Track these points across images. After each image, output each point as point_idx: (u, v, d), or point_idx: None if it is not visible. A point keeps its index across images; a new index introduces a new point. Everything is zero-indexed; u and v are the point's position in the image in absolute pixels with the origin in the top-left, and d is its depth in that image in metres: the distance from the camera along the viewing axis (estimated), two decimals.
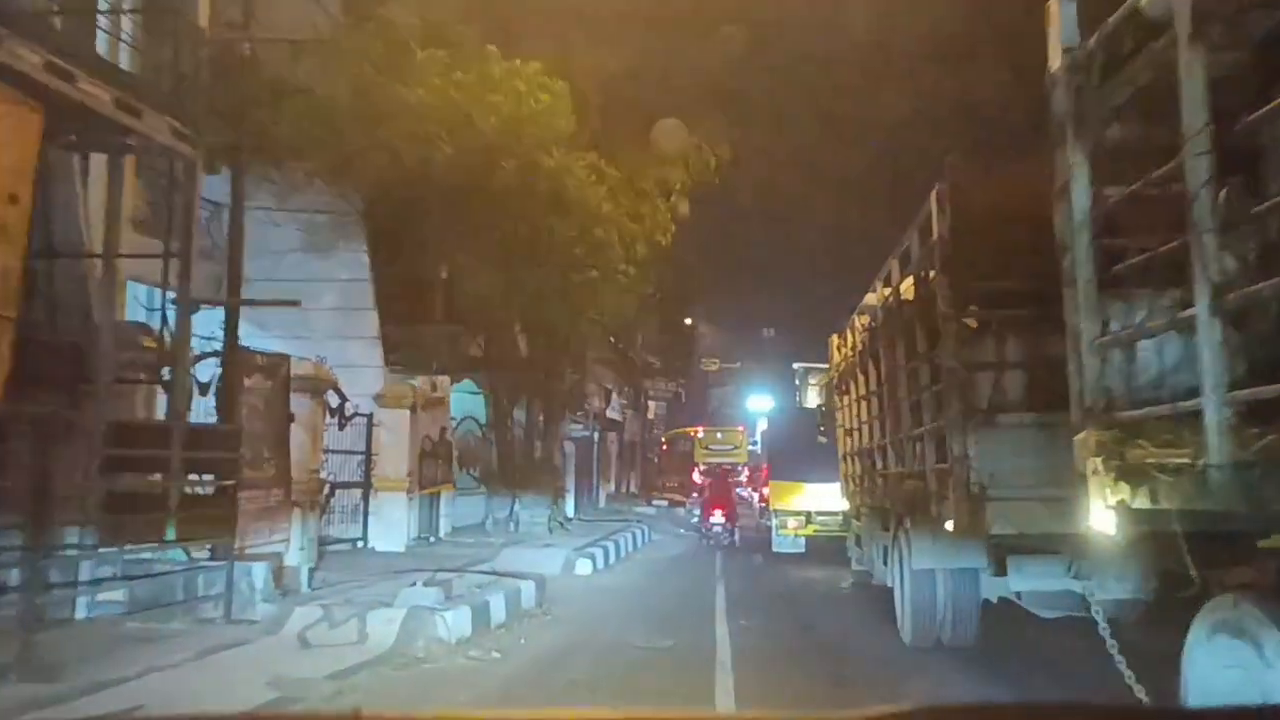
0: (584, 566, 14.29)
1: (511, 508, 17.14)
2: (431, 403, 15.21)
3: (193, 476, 8.72)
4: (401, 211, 14.73)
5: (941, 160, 7.07)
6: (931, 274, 7.08)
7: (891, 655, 8.30)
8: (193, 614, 8.16)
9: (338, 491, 14.30)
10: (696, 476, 33.41)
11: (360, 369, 15.01)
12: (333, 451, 13.82)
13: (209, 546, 8.65)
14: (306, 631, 7.90)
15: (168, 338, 8.45)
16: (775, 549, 17.00)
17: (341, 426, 13.93)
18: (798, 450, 16.15)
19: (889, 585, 9.08)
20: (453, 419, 17.91)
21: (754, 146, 16.88)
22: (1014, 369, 6.60)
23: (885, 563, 9.44)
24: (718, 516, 19.49)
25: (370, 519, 14.70)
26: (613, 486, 33.59)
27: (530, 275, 14.75)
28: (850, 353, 11.30)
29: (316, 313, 15.23)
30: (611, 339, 27.06)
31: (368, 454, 14.77)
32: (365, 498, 14.73)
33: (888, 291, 8.73)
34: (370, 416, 14.77)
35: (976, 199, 6.66)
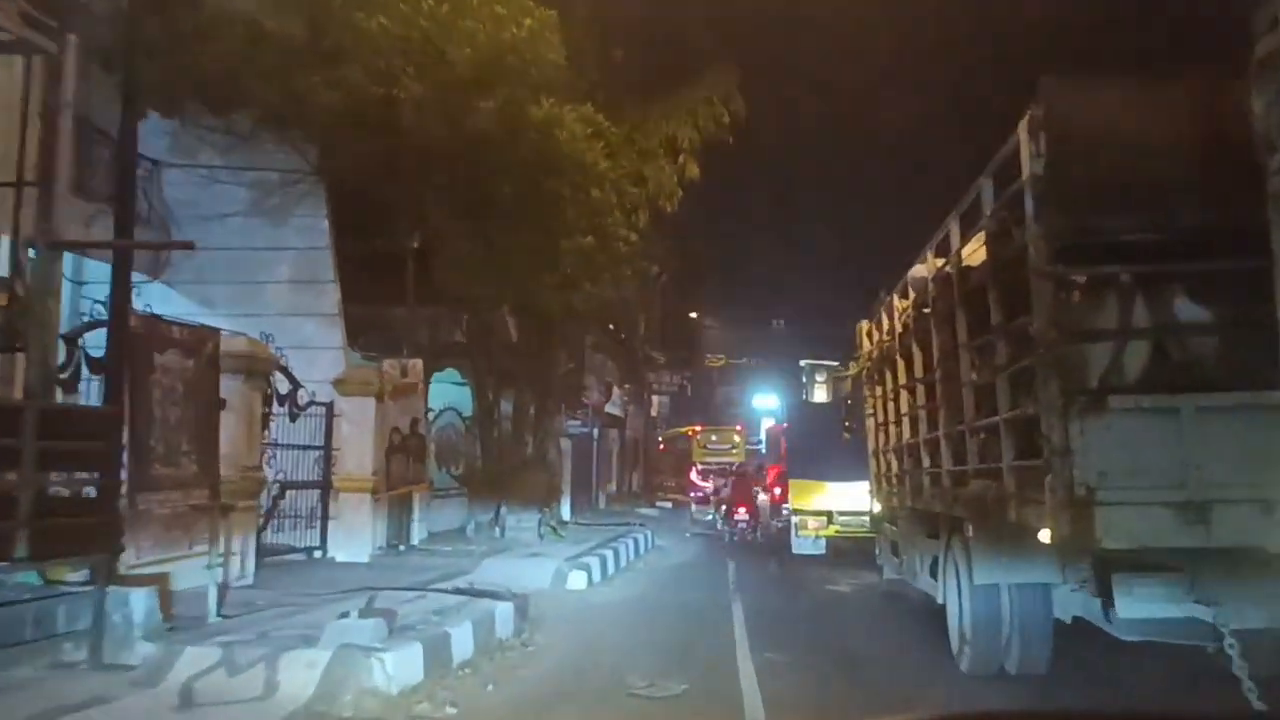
0: (577, 579, 12.27)
1: (497, 511, 15.11)
2: (401, 389, 13.19)
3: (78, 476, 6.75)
4: (365, 168, 12.68)
5: (1009, 107, 5.72)
6: (1017, 225, 5.74)
7: (959, 690, 6.74)
8: (48, 657, 6.15)
9: (291, 493, 12.29)
10: (694, 476, 33.78)
11: (318, 351, 13.00)
12: (283, 446, 11.82)
13: (85, 567, 6.65)
14: (195, 682, 5.90)
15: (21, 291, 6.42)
16: (794, 550, 16.19)
17: (294, 417, 11.94)
18: (818, 447, 15.49)
19: (939, 601, 7.92)
20: (431, 410, 15.91)
21: (773, 101, 14.81)
22: (1132, 339, 5.35)
23: (933, 575, 8.21)
24: (741, 514, 20.91)
25: (330, 525, 12.69)
26: (614, 487, 31.55)
27: (515, 242, 12.70)
28: (886, 338, 10.07)
29: (269, 287, 13.29)
30: (611, 326, 25.05)
31: (327, 449, 12.76)
32: (324, 500, 12.72)
33: (940, 261, 7.54)
34: (330, 406, 12.76)
35: (1078, 126, 5.38)
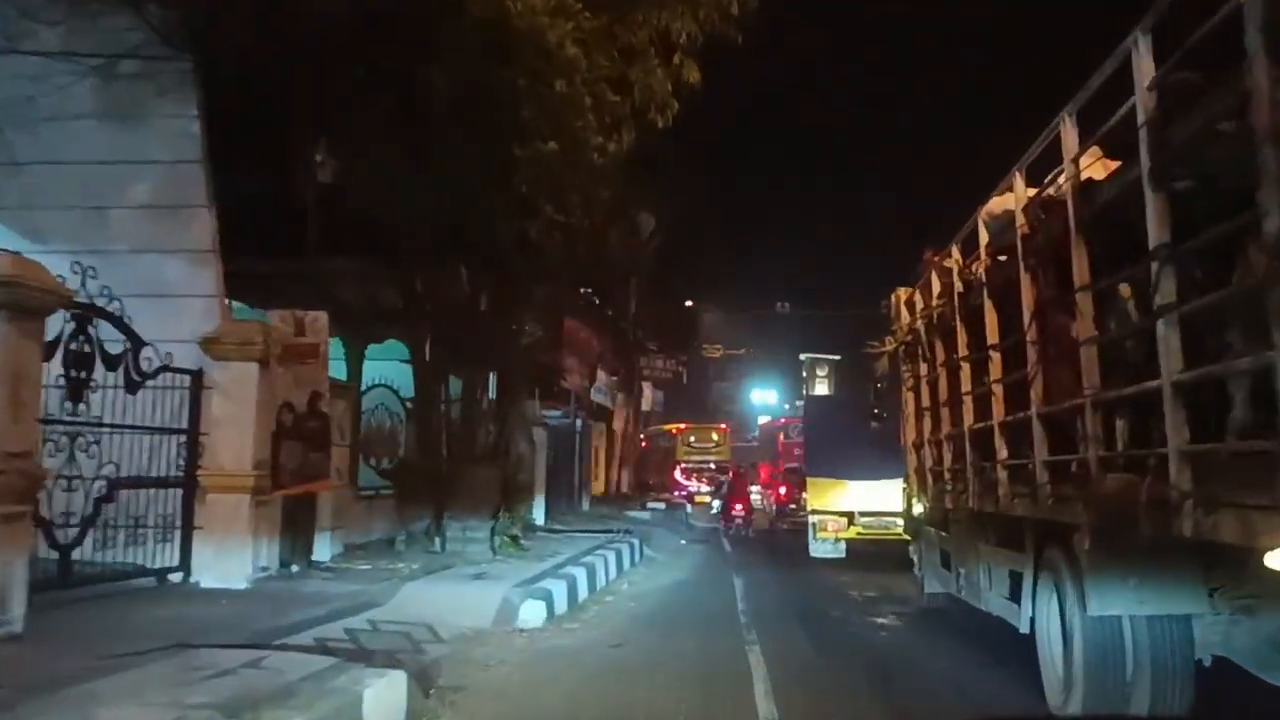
0: (532, 613, 8.86)
1: (436, 518, 11.64)
2: (296, 353, 9.72)
3: None
4: (252, 52, 9.29)
5: None
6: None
7: None
8: None
9: (139, 493, 8.86)
10: (678, 475, 34.64)
11: (183, 301, 9.56)
12: (116, 428, 8.36)
13: None
14: None
15: None
16: (812, 553, 15.26)
17: (134, 387, 8.50)
18: (839, 442, 14.68)
19: (1021, 630, 6.44)
20: (357, 387, 12.50)
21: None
22: None
23: (1013, 597, 6.69)
24: (738, 510, 21.84)
25: (196, 538, 9.24)
26: (602, 486, 28.11)
27: (454, 152, 9.29)
28: (939, 302, 8.46)
29: (119, 215, 9.83)
30: (595, 299, 21.67)
31: (191, 433, 9.31)
32: (187, 504, 9.26)
33: (1031, 190, 6.08)
34: (197, 375, 9.31)
35: None
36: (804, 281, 62.50)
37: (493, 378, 13.55)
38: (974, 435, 7.37)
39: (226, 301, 9.80)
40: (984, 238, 7.04)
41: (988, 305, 6.95)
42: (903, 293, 10.13)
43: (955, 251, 7.92)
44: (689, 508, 30.17)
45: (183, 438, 9.27)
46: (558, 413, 22.78)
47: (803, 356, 59.56)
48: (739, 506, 21.72)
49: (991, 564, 7.33)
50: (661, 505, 28.95)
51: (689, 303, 39.29)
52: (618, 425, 28.09)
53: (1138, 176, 4.38)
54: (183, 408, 9.26)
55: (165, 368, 8.90)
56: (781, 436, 34.62)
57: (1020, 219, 6.08)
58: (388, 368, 13.85)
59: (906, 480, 10.74)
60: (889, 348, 10.89)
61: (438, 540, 11.41)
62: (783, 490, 27.47)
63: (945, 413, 8.43)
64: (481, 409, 12.79)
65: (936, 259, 8.53)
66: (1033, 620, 6.18)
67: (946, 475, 8.52)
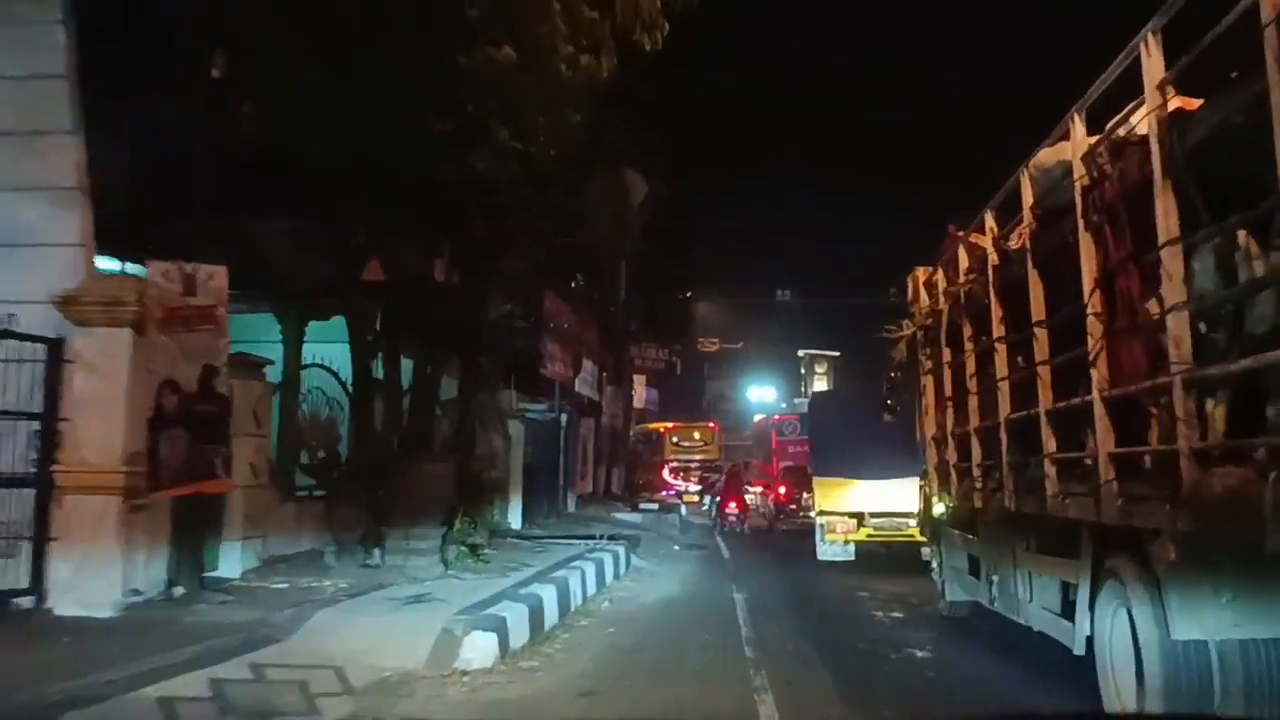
0: (478, 649, 6.84)
1: (376, 525, 9.60)
2: (183, 318, 7.68)
3: None
4: None
5: None
6: None
7: None
8: None
9: None
10: (666, 474, 34.50)
11: (35, 251, 7.52)
12: None
13: None
14: None
15: None
16: (820, 556, 14.27)
17: None
18: (848, 439, 13.98)
19: (1074, 651, 5.55)
20: (296, 367, 10.48)
21: None
22: None
23: (1064, 613, 5.85)
24: (733, 508, 22.40)
25: (53, 551, 7.23)
26: (590, 485, 26.10)
27: (383, 62, 7.27)
28: (968, 278, 7.66)
29: None
30: (581, 279, 19.68)
31: (46, 419, 7.29)
32: (39, 509, 7.24)
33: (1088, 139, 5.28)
34: (53, 345, 7.30)
35: None
36: (806, 269, 60.70)
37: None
38: (1012, 426, 6.63)
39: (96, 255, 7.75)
40: (1028, 197, 6.27)
41: (1032, 276, 6.17)
42: (921, 273, 9.38)
43: (989, 219, 7.11)
44: (683, 509, 28.20)
45: (35, 425, 7.26)
46: (542, 406, 20.80)
47: (801, 353, 57.71)
48: (733, 504, 22.44)
49: (1033, 572, 6.61)
50: (654, 506, 26.92)
51: (687, 294, 37.23)
52: (607, 420, 26.01)
53: (1256, 93, 3.59)
54: (35, 387, 7.25)
55: (8, 333, 6.89)
56: (775, 434, 33.51)
57: (1079, 169, 5.29)
58: (337, 350, 11.82)
59: (924, 478, 10.05)
60: (906, 332, 9.94)
61: (376, 552, 9.39)
62: (782, 490, 25.74)
63: (974, 402, 7.60)
64: (436, 395, 10.74)
65: (963, 234, 7.81)
66: (1089, 639, 5.45)
67: (976, 472, 7.65)
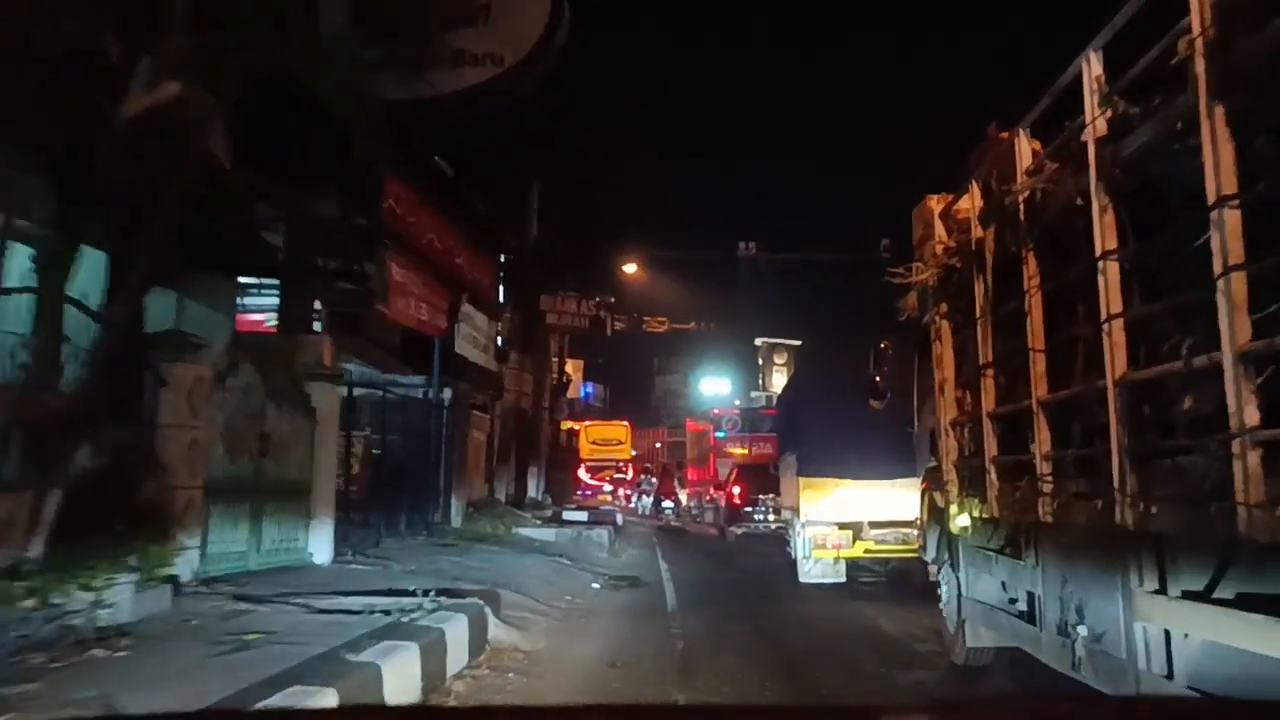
0: None
1: None
2: None
3: None
4: None
5: None
6: None
7: None
8: None
9: None
10: (583, 474, 34.60)
11: None
12: None
13: None
14: None
15: None
16: (803, 578, 11.73)
17: None
18: (840, 429, 11.33)
19: None
20: None
21: None
22: None
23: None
24: (668, 505, 27.40)
25: None
26: (491, 488, 19.79)
27: None
28: (1019, 195, 5.46)
29: None
30: (435, 157, 13.63)
31: None
32: None
33: None
34: None
35: None
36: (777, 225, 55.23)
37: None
38: (1132, 390, 4.11)
39: None
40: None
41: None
42: (936, 201, 7.36)
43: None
44: (619, 518, 22.29)
45: None
46: (418, 380, 14.84)
47: (759, 341, 52.64)
48: (668, 501, 26.15)
49: (1170, 626, 4.14)
50: (582, 516, 20.97)
51: (630, 266, 30.81)
52: (512, 400, 19.54)
53: None
54: None
55: None
56: (712, 431, 31.70)
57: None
58: None
59: (932, 478, 7.74)
60: (922, 275, 7.37)
61: None
62: (737, 490, 21.89)
63: (1040, 365, 5.13)
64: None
65: (1006, 135, 5.91)
66: None
67: (1042, 467, 5.11)
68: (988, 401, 6.08)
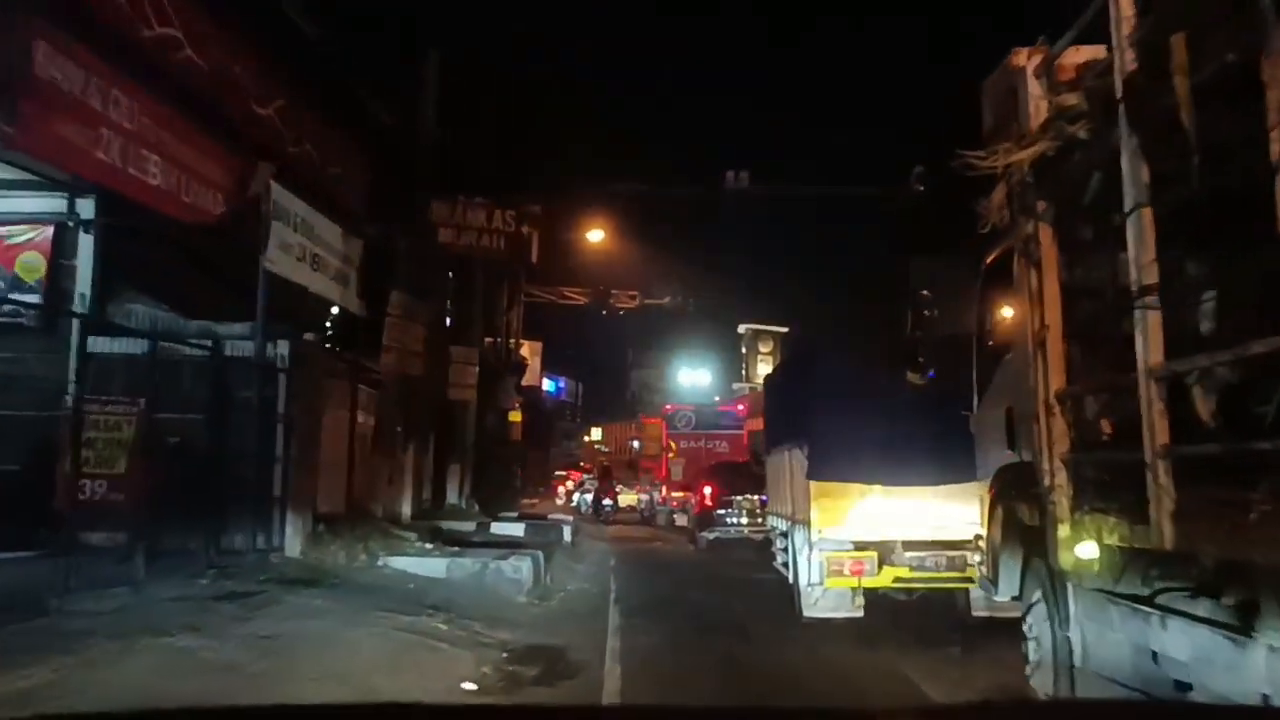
0: None
1: None
2: None
3: None
4: None
5: None
6: None
7: None
8: None
9: None
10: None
11: None
12: None
13: None
14: None
15: None
16: (807, 612, 9.54)
17: None
18: (860, 415, 9.35)
19: None
20: None
21: None
22: None
23: None
24: (608, 503, 28.83)
25: None
26: (373, 494, 14.95)
27: None
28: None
29: None
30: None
31: None
32: None
33: None
34: None
35: None
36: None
37: None
38: None
39: None
40: None
41: None
42: (1030, 54, 5.43)
43: None
44: (567, 533, 18.25)
45: None
46: (239, 327, 10.82)
47: (742, 328, 48.98)
48: (608, 500, 28.68)
49: None
50: (517, 530, 17.02)
51: (596, 233, 26.30)
52: (393, 363, 13.90)
53: None
54: None
55: None
56: (666, 429, 29.85)
57: None
58: None
59: (1009, 482, 6.24)
60: (1020, 155, 5.30)
61: None
62: (708, 491, 19.84)
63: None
64: None
65: None
66: None
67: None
68: (1152, 352, 4.19)
